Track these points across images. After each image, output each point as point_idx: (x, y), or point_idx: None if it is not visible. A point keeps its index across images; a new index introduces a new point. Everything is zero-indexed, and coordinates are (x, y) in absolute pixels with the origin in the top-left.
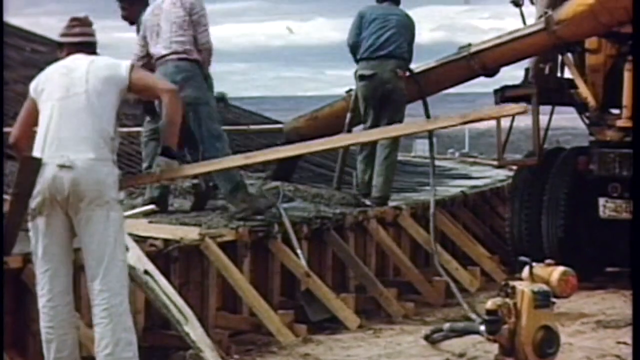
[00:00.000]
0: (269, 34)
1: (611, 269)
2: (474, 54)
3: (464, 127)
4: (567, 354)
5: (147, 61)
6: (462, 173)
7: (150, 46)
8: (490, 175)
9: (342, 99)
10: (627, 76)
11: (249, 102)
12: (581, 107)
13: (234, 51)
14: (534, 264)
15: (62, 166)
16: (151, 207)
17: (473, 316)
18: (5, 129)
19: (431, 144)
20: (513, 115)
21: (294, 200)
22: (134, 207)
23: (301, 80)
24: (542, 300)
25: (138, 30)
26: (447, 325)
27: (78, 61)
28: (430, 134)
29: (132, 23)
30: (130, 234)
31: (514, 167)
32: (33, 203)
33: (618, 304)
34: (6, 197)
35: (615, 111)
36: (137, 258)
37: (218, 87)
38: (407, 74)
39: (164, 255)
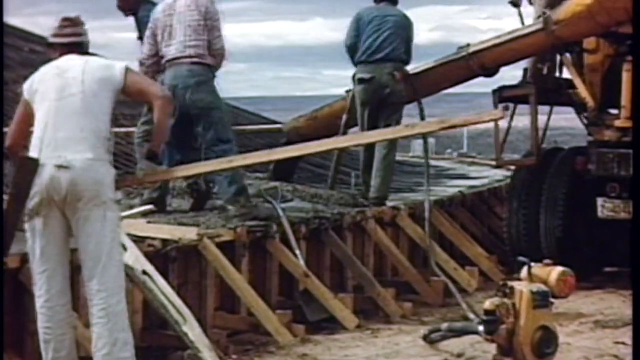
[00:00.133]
0: (267, 34)
1: (609, 269)
2: (473, 54)
3: (463, 128)
4: (565, 354)
5: (156, 60)
6: (460, 173)
7: (161, 46)
8: (488, 175)
9: (341, 99)
10: (625, 76)
11: (247, 102)
12: (579, 107)
13: (232, 51)
14: (532, 264)
15: (59, 166)
16: (149, 207)
17: (471, 316)
18: (5, 129)
19: (426, 149)
20: (491, 121)
21: (292, 200)
22: (132, 207)
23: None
24: (541, 300)
25: (138, 26)
26: (445, 325)
27: (72, 62)
28: (424, 137)
29: (127, 14)
30: (129, 234)
31: (512, 167)
32: (30, 203)
33: (616, 304)
34: (5, 197)
35: (614, 111)
36: (135, 258)
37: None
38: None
39: (162, 255)
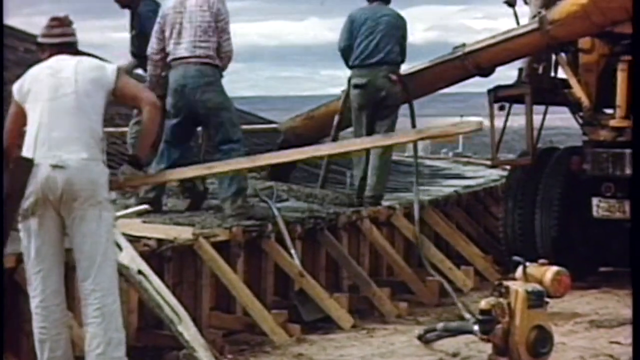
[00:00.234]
0: (264, 33)
1: (604, 269)
2: (468, 53)
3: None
4: (560, 354)
5: (164, 56)
6: (455, 173)
7: (169, 43)
8: (483, 175)
9: (337, 99)
10: (620, 76)
11: (244, 102)
12: (575, 107)
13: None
14: (527, 263)
15: (55, 166)
16: (145, 207)
17: (467, 316)
18: None
19: (415, 149)
20: (469, 132)
21: (288, 200)
22: (127, 207)
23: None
24: (536, 300)
25: (137, 21)
26: (440, 325)
27: (64, 62)
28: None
29: (123, 7)
30: (124, 234)
31: (508, 167)
32: (25, 203)
33: (611, 303)
34: None
35: (609, 111)
36: (130, 258)
37: None
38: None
39: (158, 255)
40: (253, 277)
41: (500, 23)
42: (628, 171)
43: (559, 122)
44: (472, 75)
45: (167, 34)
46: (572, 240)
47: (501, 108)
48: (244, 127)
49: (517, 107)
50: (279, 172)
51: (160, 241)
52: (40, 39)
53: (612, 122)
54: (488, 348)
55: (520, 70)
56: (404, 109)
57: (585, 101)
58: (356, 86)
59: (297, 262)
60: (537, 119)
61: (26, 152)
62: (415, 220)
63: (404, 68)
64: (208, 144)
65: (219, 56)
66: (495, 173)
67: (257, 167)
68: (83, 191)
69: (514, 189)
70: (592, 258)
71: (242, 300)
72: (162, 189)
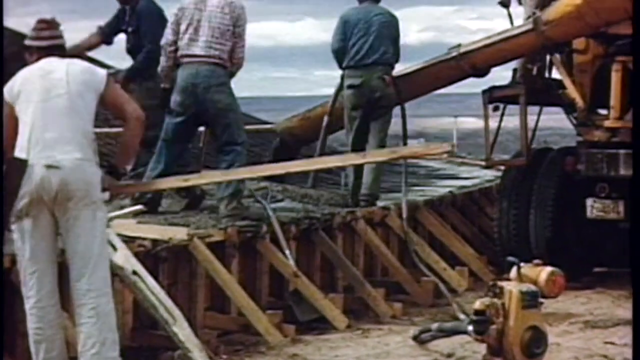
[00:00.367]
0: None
1: (599, 269)
2: (464, 54)
3: (453, 127)
4: (555, 354)
5: (177, 48)
6: (450, 173)
7: (183, 37)
8: (478, 175)
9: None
10: (614, 76)
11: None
12: (569, 108)
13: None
14: (522, 264)
15: (49, 166)
16: (139, 207)
17: (461, 316)
18: None
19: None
20: (440, 154)
21: (283, 200)
22: (122, 207)
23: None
24: (530, 300)
25: (135, 18)
26: (435, 326)
27: (54, 64)
28: (405, 141)
29: (122, 3)
30: (119, 234)
31: (502, 168)
32: (19, 204)
33: (605, 304)
34: None
35: (603, 112)
36: (125, 258)
37: None
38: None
39: (153, 256)
40: (248, 278)
41: (495, 24)
42: (622, 172)
43: (553, 122)
44: (468, 76)
45: (182, 27)
46: (566, 240)
47: (495, 109)
48: None
49: (512, 108)
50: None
51: (155, 242)
52: (28, 42)
53: (607, 123)
54: (482, 348)
55: (515, 71)
56: (395, 110)
57: (579, 102)
58: (350, 87)
59: (291, 262)
60: (531, 119)
61: (19, 152)
62: (403, 218)
63: (399, 68)
64: (209, 147)
65: (231, 61)
66: (490, 174)
67: (249, 178)
68: (77, 191)
69: (508, 189)
70: (587, 258)
71: (236, 300)
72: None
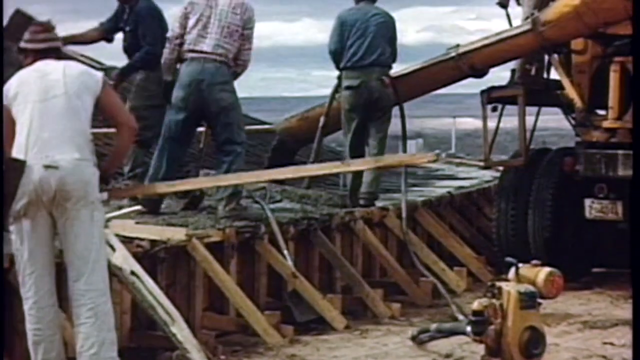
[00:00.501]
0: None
1: (597, 270)
2: (462, 54)
3: (451, 128)
4: (553, 355)
5: (183, 41)
6: (448, 174)
7: (191, 32)
8: (476, 176)
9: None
10: (613, 77)
11: None
12: (567, 108)
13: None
14: (520, 264)
15: (47, 167)
16: (138, 207)
17: (460, 317)
18: None
19: (404, 151)
20: (424, 163)
21: (281, 200)
22: (120, 207)
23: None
24: (528, 300)
25: (133, 18)
26: (433, 326)
27: (51, 65)
28: (404, 141)
29: (122, 2)
30: (117, 235)
31: (501, 168)
32: (17, 205)
33: (604, 304)
34: None
35: (602, 112)
36: (123, 259)
37: None
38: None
39: (151, 256)
40: (246, 278)
41: (494, 24)
42: (621, 172)
43: (552, 123)
44: (466, 76)
45: (191, 22)
46: (564, 241)
47: (494, 109)
48: None
49: (510, 108)
50: None
51: (153, 242)
52: (23, 45)
53: (605, 123)
54: (481, 349)
55: (513, 71)
56: (394, 110)
57: (578, 102)
58: (349, 88)
59: (290, 263)
60: (529, 120)
61: (17, 153)
62: (403, 221)
63: (398, 69)
64: (208, 149)
65: (236, 63)
66: (488, 174)
67: (247, 182)
68: (76, 191)
69: (506, 190)
70: (585, 259)
71: (235, 301)
72: None
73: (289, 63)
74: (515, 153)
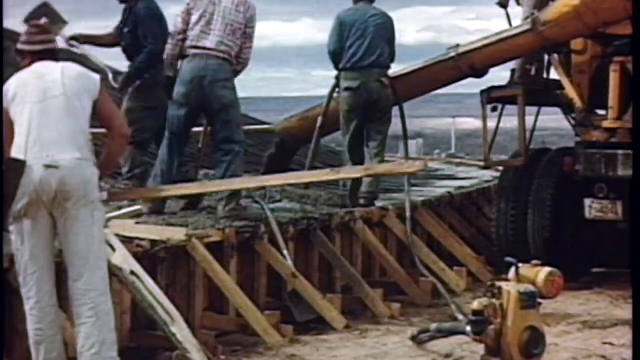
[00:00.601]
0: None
1: (597, 270)
2: (462, 54)
3: (451, 128)
4: (553, 355)
5: (183, 38)
6: (448, 174)
7: (194, 28)
8: (476, 176)
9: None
10: (612, 77)
11: None
12: (567, 108)
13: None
14: (520, 264)
15: (48, 166)
16: (138, 207)
17: (459, 317)
18: None
19: (406, 150)
20: (412, 173)
21: (281, 200)
22: (120, 207)
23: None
24: (528, 300)
25: (132, 19)
26: (433, 326)
27: (49, 67)
28: (405, 141)
29: (122, 1)
30: (117, 235)
31: (501, 168)
32: (18, 205)
33: (604, 304)
34: None
35: (602, 112)
36: (123, 259)
37: None
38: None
39: (151, 256)
40: (246, 278)
41: (493, 24)
42: (620, 172)
43: (552, 123)
44: (466, 76)
45: (194, 18)
46: (564, 241)
47: (494, 109)
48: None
49: (510, 108)
50: (274, 172)
51: (153, 242)
52: (20, 46)
53: (605, 123)
54: (481, 349)
55: (513, 71)
56: (394, 111)
57: (577, 102)
58: (348, 89)
59: (290, 263)
60: (529, 120)
61: (16, 154)
62: (407, 221)
63: (397, 69)
64: (207, 148)
65: (237, 61)
66: (488, 174)
67: (245, 188)
68: (76, 191)
69: (506, 190)
70: (585, 259)
71: (235, 301)
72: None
73: (289, 63)
74: (515, 153)
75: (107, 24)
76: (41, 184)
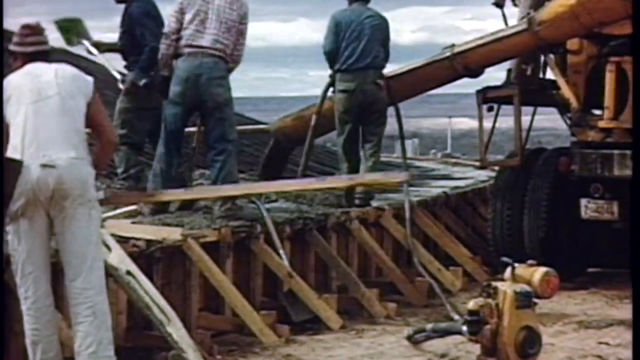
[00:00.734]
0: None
1: (593, 270)
2: (458, 54)
3: (447, 128)
4: (548, 355)
5: (178, 37)
6: (444, 174)
7: (188, 27)
8: (472, 176)
9: (327, 99)
10: (608, 77)
11: None
12: (563, 108)
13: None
14: (515, 264)
15: (45, 166)
16: (134, 207)
17: (455, 317)
18: None
19: (404, 150)
20: (397, 183)
21: (277, 200)
22: (116, 207)
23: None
24: (524, 300)
25: (127, 19)
26: (429, 326)
27: (42, 68)
28: (402, 141)
29: (118, 1)
30: (113, 235)
31: (496, 168)
32: (15, 205)
33: (599, 304)
34: None
35: (597, 112)
36: (119, 259)
37: None
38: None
39: (147, 256)
40: (242, 278)
41: (489, 24)
42: (616, 172)
43: (548, 123)
44: (461, 76)
45: (188, 17)
46: (560, 241)
47: (490, 109)
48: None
49: (506, 108)
50: (270, 172)
51: (149, 242)
52: (13, 48)
53: (601, 123)
54: (476, 349)
55: (509, 71)
56: (390, 111)
57: (573, 102)
58: (344, 91)
59: (286, 262)
60: (525, 120)
61: (12, 154)
62: (407, 223)
63: (393, 69)
64: (200, 148)
65: (231, 58)
66: (484, 174)
67: (243, 195)
68: (73, 190)
69: (502, 189)
70: (581, 259)
71: (231, 301)
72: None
73: (285, 63)
74: (511, 153)
75: (107, 24)
76: (38, 184)
